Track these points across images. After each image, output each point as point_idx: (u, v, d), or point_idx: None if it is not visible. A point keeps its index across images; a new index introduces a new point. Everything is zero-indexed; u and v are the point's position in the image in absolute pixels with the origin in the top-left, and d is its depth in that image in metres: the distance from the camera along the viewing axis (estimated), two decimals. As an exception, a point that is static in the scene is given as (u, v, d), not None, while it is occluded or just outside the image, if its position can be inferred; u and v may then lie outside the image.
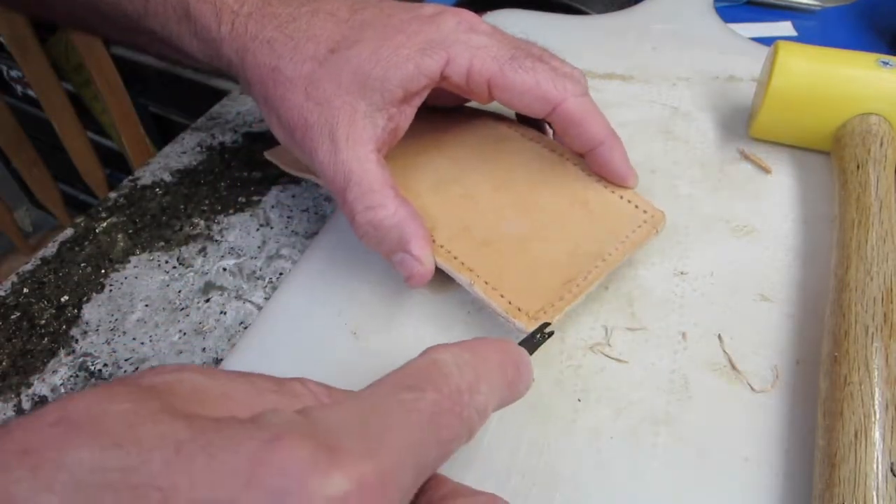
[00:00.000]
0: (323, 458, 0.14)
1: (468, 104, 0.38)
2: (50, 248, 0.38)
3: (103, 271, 0.37)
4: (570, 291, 0.29)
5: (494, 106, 0.34)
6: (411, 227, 0.30)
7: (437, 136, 0.37)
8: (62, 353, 0.33)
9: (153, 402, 0.15)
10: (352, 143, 0.30)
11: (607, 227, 0.31)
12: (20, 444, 0.14)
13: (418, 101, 0.32)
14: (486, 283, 0.30)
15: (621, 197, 0.32)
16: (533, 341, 0.26)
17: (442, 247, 0.31)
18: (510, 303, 0.29)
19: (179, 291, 0.35)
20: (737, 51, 0.48)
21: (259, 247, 0.38)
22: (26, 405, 0.31)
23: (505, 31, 0.34)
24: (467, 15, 0.33)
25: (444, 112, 0.38)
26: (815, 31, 0.54)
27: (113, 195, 0.41)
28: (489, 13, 0.53)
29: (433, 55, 0.30)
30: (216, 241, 0.38)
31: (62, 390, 0.31)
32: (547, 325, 0.27)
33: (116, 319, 0.34)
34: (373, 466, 0.14)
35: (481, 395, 0.19)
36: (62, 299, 0.35)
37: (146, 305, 0.35)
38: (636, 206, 0.32)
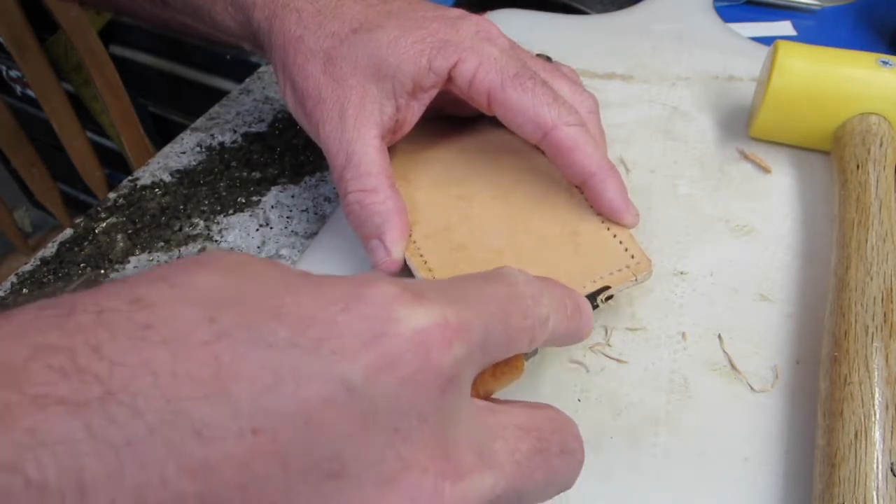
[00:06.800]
0: (409, 297, 0.15)
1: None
2: (49, 249, 0.38)
3: (103, 272, 0.37)
4: None
5: None
6: (395, 219, 0.31)
7: (459, 138, 0.37)
8: (62, 353, 0.33)
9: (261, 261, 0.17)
10: (358, 124, 0.31)
11: (586, 263, 0.30)
12: (158, 271, 0.15)
13: (426, 100, 0.33)
14: None
15: (614, 236, 0.31)
16: (591, 305, 0.26)
17: (414, 242, 0.32)
18: None
19: (179, 292, 0.35)
20: (737, 50, 0.48)
21: (259, 247, 0.38)
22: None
23: (504, 30, 0.34)
24: (488, 25, 0.34)
25: (474, 120, 0.38)
26: (815, 30, 0.54)
27: (112, 195, 0.41)
28: (489, 13, 0.53)
29: (445, 55, 0.31)
30: (216, 241, 0.38)
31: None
32: (607, 288, 0.28)
33: (116, 320, 0.34)
34: (454, 311, 0.16)
35: (543, 307, 0.20)
36: (62, 300, 0.35)
37: (146, 306, 0.35)
38: (626, 249, 0.30)
